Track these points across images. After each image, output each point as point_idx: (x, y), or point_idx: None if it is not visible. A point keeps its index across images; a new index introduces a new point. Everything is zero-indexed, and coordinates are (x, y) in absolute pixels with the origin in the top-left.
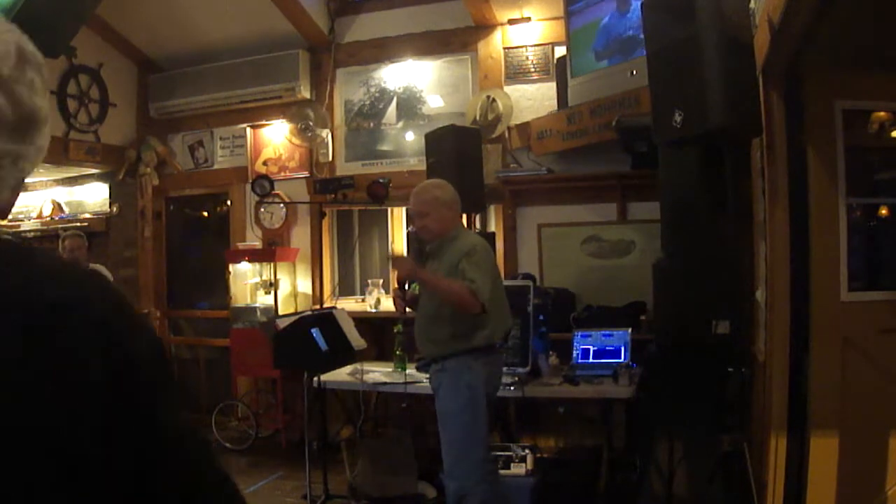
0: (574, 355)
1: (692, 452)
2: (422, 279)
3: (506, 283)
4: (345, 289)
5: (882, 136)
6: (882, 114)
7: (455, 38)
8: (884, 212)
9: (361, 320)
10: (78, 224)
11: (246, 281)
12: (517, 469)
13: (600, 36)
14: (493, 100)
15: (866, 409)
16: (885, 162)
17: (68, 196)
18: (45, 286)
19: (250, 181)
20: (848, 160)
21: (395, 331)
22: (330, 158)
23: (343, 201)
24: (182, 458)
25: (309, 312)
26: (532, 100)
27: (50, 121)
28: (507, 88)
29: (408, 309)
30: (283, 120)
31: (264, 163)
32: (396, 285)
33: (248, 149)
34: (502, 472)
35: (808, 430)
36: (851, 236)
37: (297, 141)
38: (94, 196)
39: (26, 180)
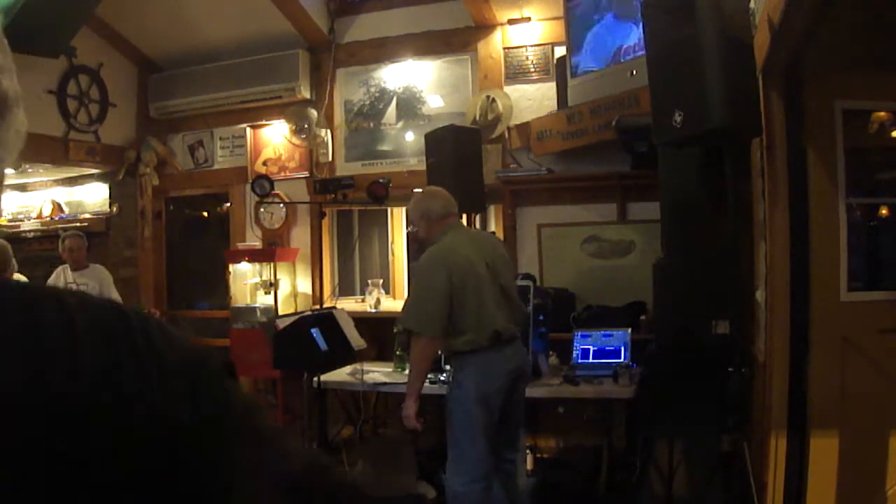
0: (574, 355)
1: (692, 452)
2: (411, 402)
3: None
4: (345, 289)
5: (882, 136)
6: (882, 114)
7: (455, 38)
8: (884, 212)
9: (361, 320)
10: (78, 224)
11: (246, 281)
12: None
13: (596, 40)
14: (493, 100)
15: (866, 409)
16: (885, 162)
17: (68, 196)
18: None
19: (250, 181)
20: (848, 160)
21: (395, 331)
22: (330, 158)
23: (343, 201)
24: None
25: (309, 312)
26: (532, 100)
27: (22, 100)
28: (507, 88)
29: None
30: (283, 120)
31: (264, 163)
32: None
33: (248, 149)
34: None
35: (808, 430)
36: (851, 236)
37: (296, 141)
38: (93, 196)
39: (25, 181)
